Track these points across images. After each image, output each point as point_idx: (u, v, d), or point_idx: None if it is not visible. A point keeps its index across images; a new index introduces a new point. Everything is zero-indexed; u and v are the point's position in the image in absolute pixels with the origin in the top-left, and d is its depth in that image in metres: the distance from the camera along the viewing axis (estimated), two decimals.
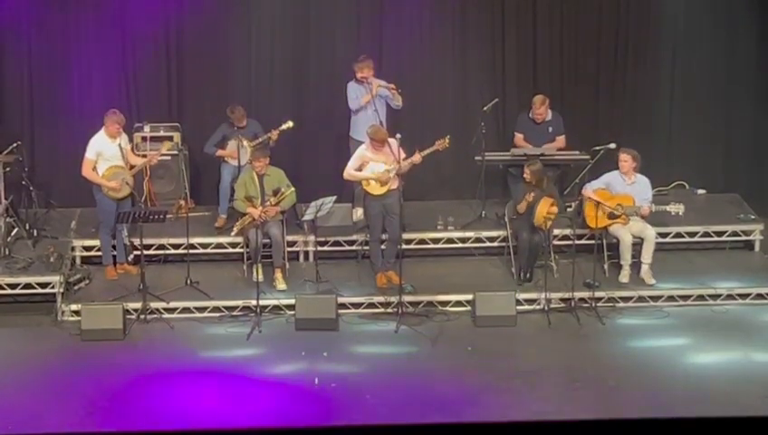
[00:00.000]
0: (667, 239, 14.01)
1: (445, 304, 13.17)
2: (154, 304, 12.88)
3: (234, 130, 13.94)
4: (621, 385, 11.59)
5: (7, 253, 13.45)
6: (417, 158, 13.13)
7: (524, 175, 13.38)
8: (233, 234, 13.50)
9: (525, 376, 11.77)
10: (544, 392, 11.46)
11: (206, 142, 14.10)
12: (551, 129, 14.38)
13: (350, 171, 13.36)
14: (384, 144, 13.12)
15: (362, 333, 12.78)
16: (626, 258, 13.39)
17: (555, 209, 13.13)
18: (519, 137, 14.46)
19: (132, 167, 13.42)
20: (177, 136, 14.57)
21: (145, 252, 13.20)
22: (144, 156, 13.74)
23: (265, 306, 12.95)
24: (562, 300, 13.10)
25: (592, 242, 13.43)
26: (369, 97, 13.90)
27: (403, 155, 13.09)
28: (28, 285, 13.04)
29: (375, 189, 13.24)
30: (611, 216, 13.37)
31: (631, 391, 11.47)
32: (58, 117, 14.83)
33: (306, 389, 11.53)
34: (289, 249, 13.73)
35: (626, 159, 13.40)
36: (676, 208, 13.25)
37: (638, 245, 13.44)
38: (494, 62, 15.15)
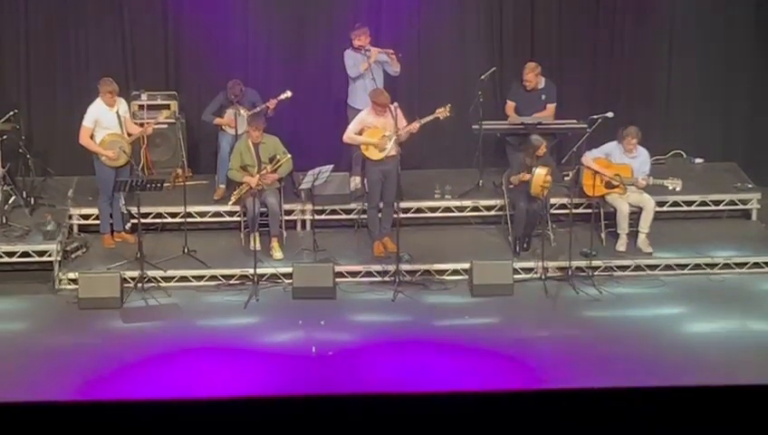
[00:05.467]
0: (665, 208, 13.97)
1: (442, 272, 13.18)
2: (151, 273, 12.88)
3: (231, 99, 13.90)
4: (618, 354, 11.63)
5: (4, 221, 13.43)
6: (415, 126, 13.11)
7: (538, 153, 13.15)
8: (230, 203, 13.46)
9: (522, 345, 11.80)
10: (541, 361, 11.49)
11: (203, 110, 14.07)
12: (543, 97, 14.32)
13: (350, 135, 13.32)
14: (386, 108, 13.06)
15: (359, 301, 12.80)
16: (623, 227, 13.39)
17: (551, 178, 13.11)
18: (510, 105, 14.39)
19: (130, 135, 13.40)
20: (174, 104, 14.52)
21: (142, 220, 13.18)
22: (141, 124, 13.71)
23: (262, 275, 12.95)
24: (559, 269, 13.11)
25: (590, 211, 13.43)
26: (367, 65, 13.86)
27: (403, 122, 13.07)
28: (25, 253, 13.04)
29: (373, 154, 13.20)
30: (609, 185, 13.37)
31: (628, 359, 11.49)
32: (55, 85, 14.78)
33: (303, 357, 11.56)
34: (286, 218, 13.72)
35: (631, 142, 13.31)
36: (673, 183, 13.27)
37: (635, 214, 13.44)
38: (491, 30, 15.09)
